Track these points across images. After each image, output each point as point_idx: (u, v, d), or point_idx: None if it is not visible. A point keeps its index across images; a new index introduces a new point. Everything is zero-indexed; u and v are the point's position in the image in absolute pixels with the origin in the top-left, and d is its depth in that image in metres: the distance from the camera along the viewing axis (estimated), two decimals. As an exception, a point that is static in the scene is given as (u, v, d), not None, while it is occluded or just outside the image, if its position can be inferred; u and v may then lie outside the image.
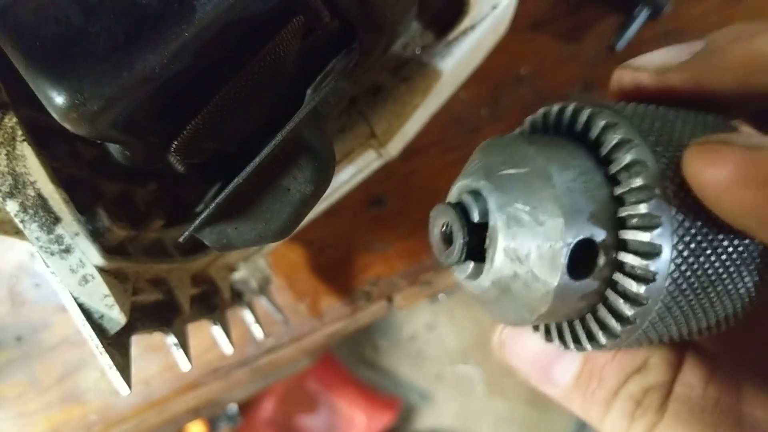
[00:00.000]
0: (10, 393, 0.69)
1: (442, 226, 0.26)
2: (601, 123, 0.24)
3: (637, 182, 0.22)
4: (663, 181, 0.22)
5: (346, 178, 0.50)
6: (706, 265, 0.23)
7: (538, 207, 0.23)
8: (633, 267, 0.22)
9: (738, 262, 0.24)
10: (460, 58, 0.47)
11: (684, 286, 0.23)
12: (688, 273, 0.23)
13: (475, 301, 0.26)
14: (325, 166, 0.35)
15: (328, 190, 0.39)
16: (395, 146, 0.49)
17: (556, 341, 0.27)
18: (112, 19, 0.27)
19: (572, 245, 0.22)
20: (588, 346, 0.25)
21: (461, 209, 0.25)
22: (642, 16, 0.64)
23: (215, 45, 0.30)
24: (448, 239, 0.25)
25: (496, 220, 0.23)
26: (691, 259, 0.23)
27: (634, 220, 0.22)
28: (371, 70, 0.45)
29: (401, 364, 1.85)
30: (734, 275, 0.24)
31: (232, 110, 0.33)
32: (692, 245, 0.23)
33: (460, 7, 0.44)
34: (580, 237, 0.22)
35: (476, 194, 0.25)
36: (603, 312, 0.24)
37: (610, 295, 0.23)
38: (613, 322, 0.24)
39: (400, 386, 1.84)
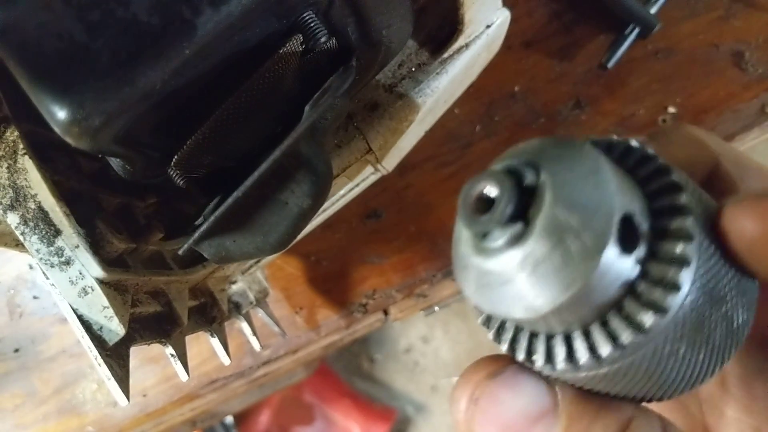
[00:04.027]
0: (7, 404, 0.69)
1: (480, 192, 0.24)
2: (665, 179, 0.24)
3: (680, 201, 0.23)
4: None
5: (342, 192, 0.51)
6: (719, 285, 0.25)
7: (589, 177, 0.22)
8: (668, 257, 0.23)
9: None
10: (455, 75, 0.47)
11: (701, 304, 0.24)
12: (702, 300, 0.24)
13: (493, 282, 0.24)
14: (323, 180, 0.36)
15: (325, 204, 0.40)
16: (391, 161, 0.50)
17: (542, 360, 0.25)
18: (114, 35, 0.27)
19: (620, 216, 0.22)
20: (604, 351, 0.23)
21: (509, 172, 0.23)
22: (632, 35, 0.65)
23: (215, 62, 0.31)
24: (484, 205, 0.23)
25: (547, 181, 0.22)
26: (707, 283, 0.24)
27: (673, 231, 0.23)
28: (368, 86, 0.46)
29: (397, 376, 1.84)
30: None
31: (231, 126, 0.33)
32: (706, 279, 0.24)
33: (454, 26, 0.45)
34: (626, 211, 0.22)
35: (526, 164, 0.24)
36: (630, 307, 0.23)
37: (646, 277, 0.23)
38: (647, 312, 0.22)
39: (395, 398, 1.83)
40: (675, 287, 0.22)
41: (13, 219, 0.35)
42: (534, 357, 0.25)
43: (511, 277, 0.23)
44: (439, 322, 1.82)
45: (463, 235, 0.25)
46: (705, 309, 0.24)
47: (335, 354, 1.77)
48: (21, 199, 0.35)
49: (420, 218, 0.67)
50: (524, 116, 0.66)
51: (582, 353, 0.24)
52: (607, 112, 0.67)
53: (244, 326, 0.59)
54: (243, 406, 1.47)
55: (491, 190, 0.23)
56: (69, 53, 0.26)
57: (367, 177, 0.51)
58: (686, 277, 0.23)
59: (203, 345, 0.66)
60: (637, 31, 0.65)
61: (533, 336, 0.26)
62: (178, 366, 0.43)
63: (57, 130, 0.27)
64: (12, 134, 0.36)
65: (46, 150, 0.39)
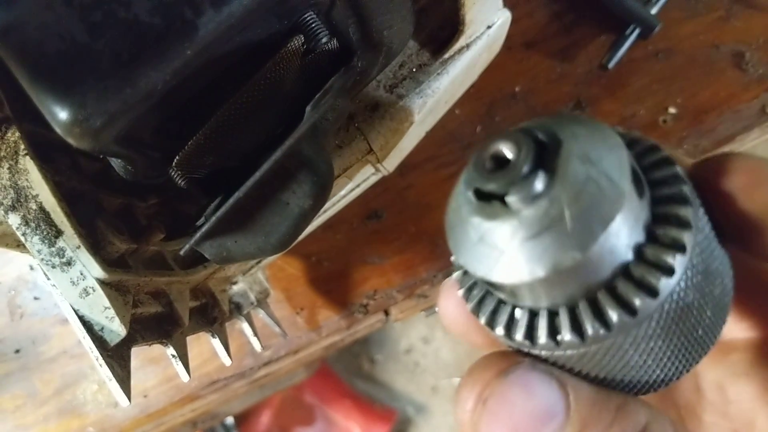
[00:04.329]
0: (8, 405, 0.69)
1: (495, 152, 0.23)
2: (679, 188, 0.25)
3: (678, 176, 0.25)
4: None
5: (343, 192, 0.51)
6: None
7: (596, 132, 0.23)
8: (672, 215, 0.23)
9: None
10: (455, 76, 0.47)
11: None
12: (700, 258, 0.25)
13: (514, 245, 0.23)
14: (324, 181, 0.36)
15: (326, 204, 0.40)
16: (392, 162, 0.50)
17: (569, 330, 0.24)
18: (115, 36, 0.27)
19: (630, 161, 0.23)
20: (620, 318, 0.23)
21: (523, 131, 0.23)
22: (633, 35, 0.65)
23: (217, 62, 0.31)
24: (497, 167, 0.23)
25: (562, 134, 0.23)
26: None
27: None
28: (369, 87, 0.46)
29: (397, 376, 1.84)
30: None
31: (232, 126, 0.33)
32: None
33: (455, 27, 0.45)
34: (630, 160, 0.23)
35: (536, 127, 0.24)
36: (652, 250, 0.23)
37: (662, 220, 0.24)
38: (666, 261, 0.23)
39: (396, 399, 1.83)
40: (687, 225, 0.23)
41: (14, 220, 0.35)
42: (561, 333, 0.24)
43: (536, 232, 0.22)
44: (439, 323, 1.82)
45: (472, 206, 0.24)
46: (707, 255, 0.25)
47: (336, 354, 1.77)
48: (22, 200, 0.35)
49: (421, 219, 0.67)
50: (525, 117, 0.66)
51: (633, 296, 0.23)
52: (607, 112, 0.67)
53: (245, 327, 0.59)
54: (244, 407, 1.47)
55: (507, 151, 0.23)
56: (70, 53, 0.26)
57: (367, 177, 0.51)
58: (692, 217, 0.23)
59: (204, 346, 0.66)
60: (637, 31, 0.65)
61: (552, 314, 0.25)
62: (179, 367, 0.43)
63: (58, 130, 0.27)
64: (13, 135, 0.36)
65: (48, 150, 0.39)
